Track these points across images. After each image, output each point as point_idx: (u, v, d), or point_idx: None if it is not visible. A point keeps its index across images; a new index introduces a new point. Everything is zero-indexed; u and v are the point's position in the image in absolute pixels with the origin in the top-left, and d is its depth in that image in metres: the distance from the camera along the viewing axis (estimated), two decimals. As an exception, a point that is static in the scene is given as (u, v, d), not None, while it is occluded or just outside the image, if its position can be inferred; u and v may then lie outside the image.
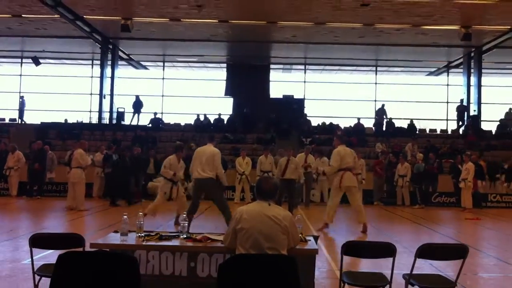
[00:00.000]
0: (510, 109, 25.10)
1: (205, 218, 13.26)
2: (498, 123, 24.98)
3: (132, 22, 19.48)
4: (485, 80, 25.02)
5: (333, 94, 28.13)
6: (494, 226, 13.64)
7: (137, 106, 25.09)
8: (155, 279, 4.75)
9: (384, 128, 24.54)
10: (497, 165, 19.06)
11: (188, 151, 19.74)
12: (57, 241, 4.75)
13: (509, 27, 19.98)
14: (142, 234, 4.75)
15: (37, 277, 4.50)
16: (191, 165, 9.75)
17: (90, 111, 27.17)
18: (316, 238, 4.96)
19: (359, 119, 24.56)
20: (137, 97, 25.22)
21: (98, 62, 25.18)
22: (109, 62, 24.70)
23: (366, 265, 6.68)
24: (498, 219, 14.91)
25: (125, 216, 4.70)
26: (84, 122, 26.12)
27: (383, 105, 25.46)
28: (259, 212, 4.06)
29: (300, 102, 26.72)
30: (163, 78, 28.00)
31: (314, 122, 25.42)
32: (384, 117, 25.07)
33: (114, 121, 24.81)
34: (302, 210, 15.35)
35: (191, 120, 25.15)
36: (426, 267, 6.67)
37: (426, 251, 4.43)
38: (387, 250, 4.51)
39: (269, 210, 4.07)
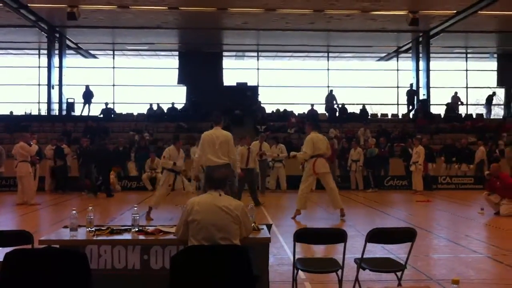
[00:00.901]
0: (456, 92, 25.83)
1: (161, 209, 13.15)
2: (446, 106, 25.68)
3: (78, 9, 18.99)
4: (433, 64, 25.63)
5: (287, 80, 28.27)
6: (444, 208, 14.04)
7: (88, 96, 24.54)
8: (107, 273, 4.69)
9: (337, 114, 24.83)
10: (453, 147, 19.52)
11: (141, 141, 19.62)
12: (4, 238, 4.59)
13: (455, 11, 20.48)
14: (93, 229, 4.66)
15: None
16: (198, 151, 9.03)
17: (39, 103, 26.42)
18: (269, 227, 4.98)
19: (312, 105, 24.76)
20: (87, 87, 24.67)
21: (45, 51, 24.45)
22: (57, 52, 24.04)
23: (326, 251, 6.74)
24: (448, 201, 15.36)
25: (74, 211, 4.59)
26: (33, 114, 25.36)
27: (331, 91, 25.76)
28: (211, 203, 4.04)
29: (254, 89, 26.73)
30: (113, 67, 27.46)
31: (268, 109, 25.51)
32: (334, 102, 25.39)
33: (64, 112, 24.21)
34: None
35: (143, 109, 24.82)
36: (379, 250, 6.82)
37: (376, 236, 4.51)
38: (338, 236, 4.57)
39: (220, 200, 4.06)
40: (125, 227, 4.80)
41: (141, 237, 4.58)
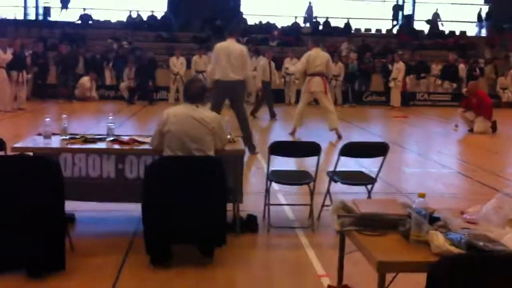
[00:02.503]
0: (437, 9, 25.45)
1: (139, 119, 13.16)
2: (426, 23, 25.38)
3: None
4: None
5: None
6: (420, 124, 14.27)
7: (65, 1, 23.63)
8: (82, 181, 4.72)
9: (320, 28, 24.43)
10: (424, 65, 19.50)
11: (119, 49, 19.20)
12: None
13: None
14: (67, 137, 4.64)
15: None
16: (211, 64, 8.19)
17: (15, 6, 25.36)
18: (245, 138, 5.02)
19: (295, 17, 24.25)
20: (64, -10, 23.72)
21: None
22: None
23: (302, 164, 6.82)
24: (425, 117, 15.58)
25: (48, 119, 4.56)
26: (8, 18, 24.45)
27: (310, 3, 25.20)
28: (187, 114, 4.02)
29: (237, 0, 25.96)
30: (91, -29, 26.26)
31: (251, 20, 24.94)
32: (313, 15, 24.95)
33: (41, 17, 23.40)
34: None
35: (123, 17, 24.08)
36: (352, 164, 6.95)
37: (349, 150, 4.60)
38: (312, 149, 4.63)
39: (197, 112, 4.04)
40: (100, 136, 4.79)
41: (116, 146, 4.58)
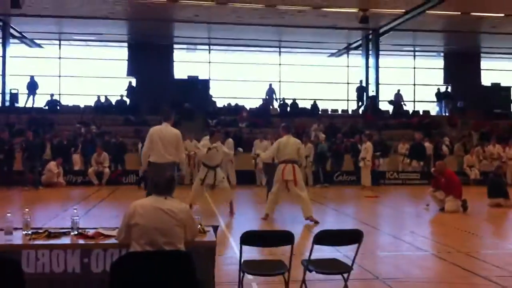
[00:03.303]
0: (399, 90, 26.39)
1: (105, 205, 12.85)
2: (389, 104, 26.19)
3: (23, -3, 18.24)
4: (382, 61, 26.06)
5: (238, 74, 28.10)
6: (391, 203, 14.31)
7: (32, 87, 23.74)
8: (45, 277, 4.48)
9: (288, 109, 24.91)
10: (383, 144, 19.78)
11: (87, 134, 19.10)
12: None
13: (404, 10, 20.85)
14: (29, 232, 4.41)
15: None
16: (145, 146, 8.52)
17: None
18: (215, 228, 4.86)
19: (266, 99, 24.75)
20: (32, 77, 23.85)
21: (-12, 41, 23.44)
22: (0, 41, 23.09)
23: (277, 251, 6.64)
24: (395, 196, 15.67)
25: (9, 214, 4.34)
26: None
27: (270, 85, 25.84)
28: (154, 206, 3.89)
29: (205, 83, 26.48)
30: (59, 57, 26.57)
31: (220, 103, 25.35)
32: (274, 97, 25.51)
33: (8, 104, 23.32)
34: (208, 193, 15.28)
35: (91, 102, 24.19)
36: (327, 248, 6.79)
37: (323, 238, 4.48)
38: (285, 238, 4.50)
39: (165, 203, 3.91)
40: (64, 230, 4.57)
41: (81, 241, 4.38)
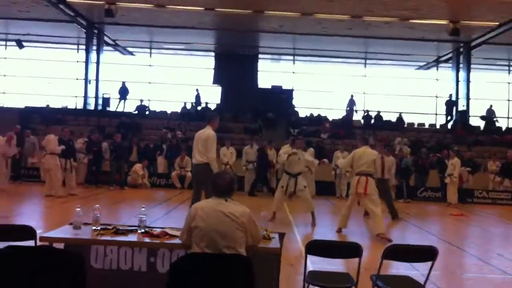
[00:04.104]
0: (491, 105, 25.04)
1: (185, 208, 13.03)
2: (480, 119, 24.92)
3: (116, 7, 19.12)
4: (474, 75, 24.91)
5: (322, 85, 27.89)
6: (478, 223, 13.53)
7: (123, 92, 24.77)
8: (112, 273, 4.58)
9: (372, 121, 24.38)
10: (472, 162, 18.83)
11: (173, 139, 19.62)
12: (8, 233, 4.48)
13: (497, 23, 19.84)
14: (98, 228, 4.51)
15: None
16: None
17: (76, 97, 26.78)
18: (282, 235, 4.74)
19: (347, 111, 24.36)
20: (123, 83, 24.89)
21: (84, 47, 24.74)
22: (95, 47, 24.32)
23: (345, 264, 6.44)
24: (483, 215, 14.80)
25: (79, 209, 4.46)
26: (69, 107, 25.74)
27: (352, 96, 25.31)
28: (215, 209, 3.84)
29: (289, 93, 26.46)
30: (150, 65, 27.61)
31: (302, 113, 25.24)
32: (354, 108, 24.96)
33: (100, 107, 24.47)
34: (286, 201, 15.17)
35: (178, 108, 24.88)
36: (405, 266, 6.45)
37: (393, 253, 4.24)
38: (352, 250, 4.31)
39: (226, 206, 3.85)
40: (131, 228, 4.64)
41: (146, 239, 4.42)
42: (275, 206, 10.86)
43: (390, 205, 12.28)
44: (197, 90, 25.18)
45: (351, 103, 25.14)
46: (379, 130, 22.92)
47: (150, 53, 27.75)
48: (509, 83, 27.59)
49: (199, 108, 24.69)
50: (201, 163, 8.53)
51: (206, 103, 24.76)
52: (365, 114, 24.85)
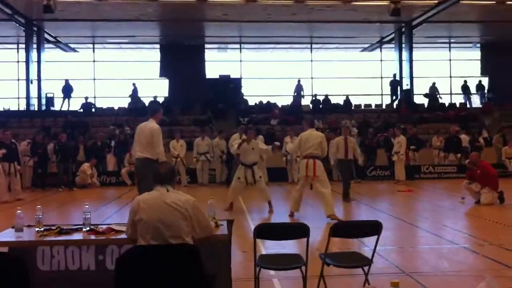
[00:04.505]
0: (434, 83, 25.75)
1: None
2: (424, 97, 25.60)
3: (55, 1, 18.51)
4: (416, 54, 25.51)
5: (270, 72, 27.98)
6: (425, 197, 13.97)
7: (67, 90, 24.13)
8: (61, 275, 4.49)
9: (321, 105, 24.65)
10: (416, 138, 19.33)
11: (121, 135, 19.31)
12: None
13: (436, 1, 20.33)
14: (42, 229, 4.41)
15: None
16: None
17: (18, 98, 25.95)
18: (230, 222, 4.76)
19: (295, 96, 24.53)
20: (67, 81, 24.25)
21: (23, 45, 23.94)
22: (35, 46, 23.60)
23: (298, 245, 6.51)
24: (430, 190, 15.28)
25: (19, 211, 4.35)
26: (12, 109, 24.94)
27: (298, 81, 25.50)
28: (157, 200, 3.82)
29: (237, 82, 26.43)
30: (93, 61, 26.99)
31: (251, 101, 25.29)
32: (302, 93, 25.18)
33: (44, 108, 23.82)
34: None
35: (125, 103, 24.49)
36: (352, 242, 6.58)
37: (340, 230, 4.33)
38: (300, 231, 4.37)
39: (168, 196, 3.83)
40: (76, 227, 4.56)
41: (92, 237, 4.35)
42: (232, 196, 10.83)
43: (346, 186, 12.47)
44: (134, 84, 24.73)
45: (299, 88, 25.32)
46: (328, 114, 23.23)
47: (93, 48, 27.11)
48: (450, 60, 28.37)
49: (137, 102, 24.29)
50: (143, 158, 8.17)
51: (155, 97, 24.44)
52: (314, 98, 25.09)
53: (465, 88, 26.40)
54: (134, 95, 24.61)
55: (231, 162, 16.49)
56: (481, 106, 25.60)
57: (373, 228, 4.43)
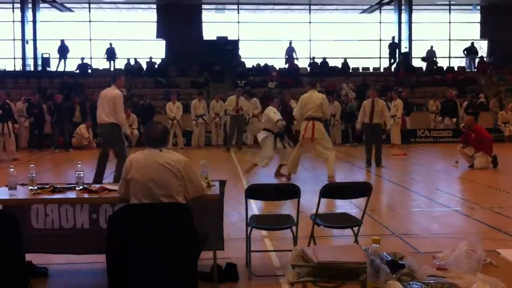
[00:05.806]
0: (432, 47, 25.53)
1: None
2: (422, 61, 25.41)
3: (49, -40, 18.23)
4: (415, 16, 25.24)
5: (268, 34, 27.70)
6: (420, 161, 14.04)
7: (63, 51, 23.89)
8: (55, 232, 4.56)
9: (318, 69, 24.50)
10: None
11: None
12: None
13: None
14: (35, 187, 4.45)
15: None
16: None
17: (14, 58, 25.72)
18: (223, 183, 4.80)
19: (287, 59, 24.39)
20: (62, 41, 23.99)
21: (19, 5, 23.60)
22: (30, 5, 23.27)
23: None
24: (425, 154, 15.36)
25: (12, 169, 4.38)
26: (7, 70, 24.76)
27: (290, 43, 25.15)
28: (149, 159, 3.85)
29: (234, 44, 26.16)
30: (89, 21, 26.65)
31: (249, 63, 25.10)
32: (294, 55, 24.87)
33: (40, 68, 23.64)
34: (235, 153, 15.30)
35: (121, 64, 24.32)
36: (344, 204, 6.66)
37: (330, 191, 4.39)
38: (291, 191, 4.42)
39: (161, 156, 3.86)
40: (69, 185, 4.61)
41: (86, 195, 4.40)
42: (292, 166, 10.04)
43: (377, 151, 12.03)
44: (110, 44, 24.31)
45: (290, 50, 24.99)
46: (326, 77, 23.12)
47: (89, 8, 26.72)
48: (449, 22, 28.06)
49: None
50: (107, 123, 8.43)
51: (151, 58, 24.26)
52: (311, 61, 24.92)
53: (470, 51, 26.06)
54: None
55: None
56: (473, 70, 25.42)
57: (363, 190, 4.48)
